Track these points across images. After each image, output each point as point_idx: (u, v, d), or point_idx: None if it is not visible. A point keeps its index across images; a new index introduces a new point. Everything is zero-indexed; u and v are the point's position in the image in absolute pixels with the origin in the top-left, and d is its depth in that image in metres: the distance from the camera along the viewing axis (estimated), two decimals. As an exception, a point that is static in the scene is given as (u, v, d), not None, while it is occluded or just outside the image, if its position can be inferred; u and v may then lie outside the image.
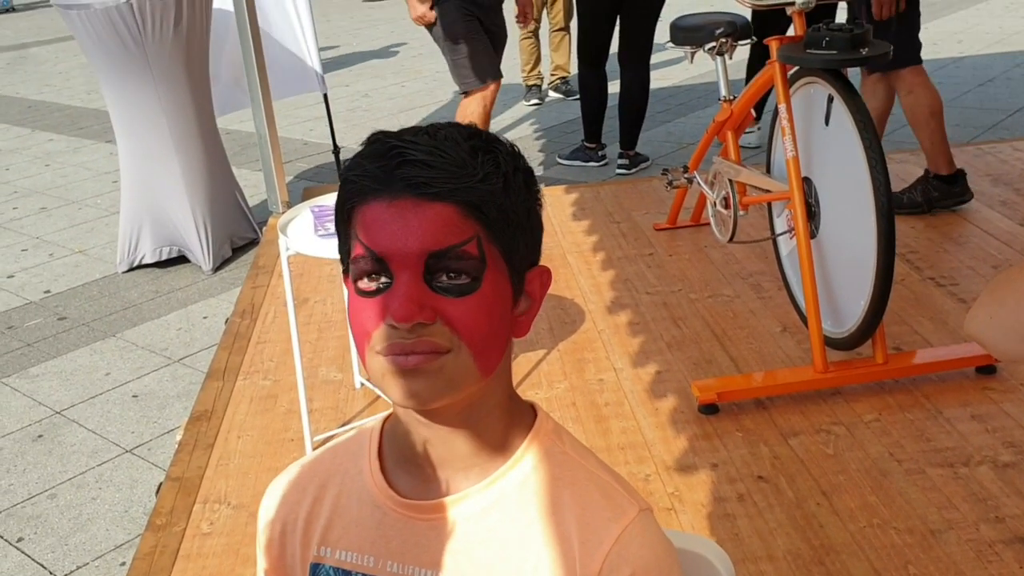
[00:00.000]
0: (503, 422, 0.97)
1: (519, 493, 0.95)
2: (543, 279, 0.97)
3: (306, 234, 2.61)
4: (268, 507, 1.07)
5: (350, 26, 10.78)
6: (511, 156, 0.92)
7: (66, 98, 8.81)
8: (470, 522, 0.94)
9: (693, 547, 1.11)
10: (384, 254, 0.86)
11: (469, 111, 4.32)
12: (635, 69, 5.01)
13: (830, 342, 2.85)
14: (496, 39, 4.42)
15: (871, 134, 2.63)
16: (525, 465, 0.96)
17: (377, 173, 0.87)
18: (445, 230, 0.86)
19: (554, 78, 7.22)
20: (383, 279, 0.88)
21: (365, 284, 0.89)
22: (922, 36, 3.87)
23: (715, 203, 3.39)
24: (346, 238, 0.92)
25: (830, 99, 2.79)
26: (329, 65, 5.13)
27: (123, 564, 2.63)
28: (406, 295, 0.85)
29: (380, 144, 0.90)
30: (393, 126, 0.89)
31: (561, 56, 7.10)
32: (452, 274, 0.87)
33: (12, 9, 15.81)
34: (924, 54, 3.87)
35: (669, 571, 0.92)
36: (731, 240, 3.32)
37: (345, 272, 0.95)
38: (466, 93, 4.37)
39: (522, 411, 1.00)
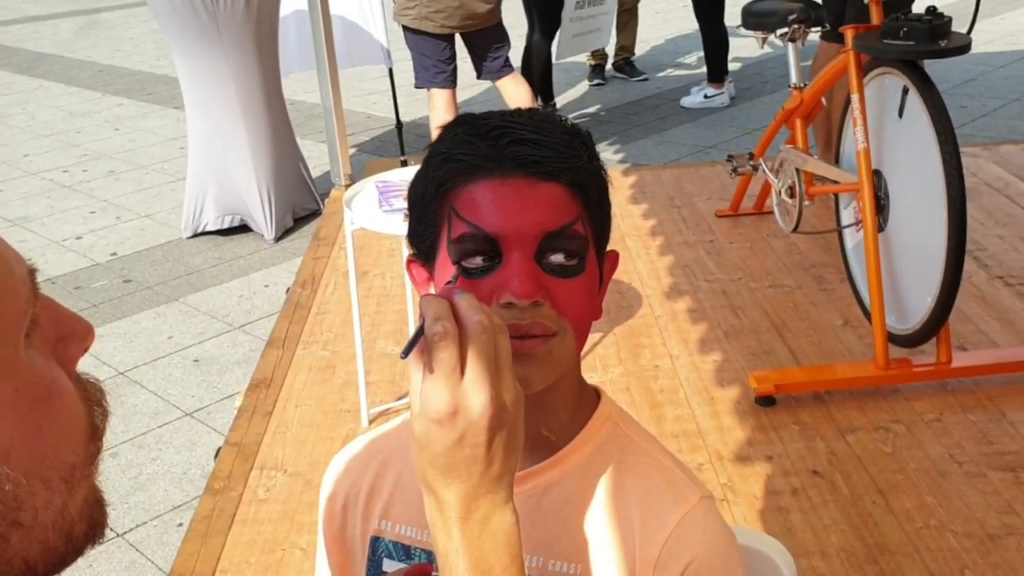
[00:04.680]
0: (571, 404, 0.97)
1: (581, 474, 0.95)
2: (613, 262, 0.98)
3: (371, 209, 2.63)
4: (330, 480, 1.08)
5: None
6: (590, 138, 0.93)
7: (136, 63, 8.94)
8: (530, 501, 0.94)
9: (754, 543, 1.11)
10: (497, 234, 0.85)
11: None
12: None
13: (893, 338, 2.80)
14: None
15: (947, 128, 2.58)
16: (588, 447, 0.96)
17: (487, 151, 0.86)
18: (557, 210, 0.86)
19: (618, 59, 7.17)
20: (489, 259, 0.86)
21: (469, 263, 0.87)
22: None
23: (780, 192, 3.34)
24: (436, 218, 0.90)
25: (905, 91, 2.73)
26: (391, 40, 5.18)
27: (180, 524, 2.69)
28: (524, 272, 0.84)
29: (476, 124, 0.89)
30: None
31: (627, 37, 7.04)
32: (563, 254, 0.87)
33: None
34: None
35: (729, 559, 0.91)
36: (795, 230, 3.27)
37: (422, 256, 0.93)
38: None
39: (588, 394, 1.00)
